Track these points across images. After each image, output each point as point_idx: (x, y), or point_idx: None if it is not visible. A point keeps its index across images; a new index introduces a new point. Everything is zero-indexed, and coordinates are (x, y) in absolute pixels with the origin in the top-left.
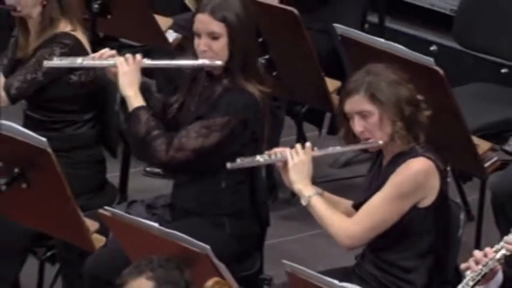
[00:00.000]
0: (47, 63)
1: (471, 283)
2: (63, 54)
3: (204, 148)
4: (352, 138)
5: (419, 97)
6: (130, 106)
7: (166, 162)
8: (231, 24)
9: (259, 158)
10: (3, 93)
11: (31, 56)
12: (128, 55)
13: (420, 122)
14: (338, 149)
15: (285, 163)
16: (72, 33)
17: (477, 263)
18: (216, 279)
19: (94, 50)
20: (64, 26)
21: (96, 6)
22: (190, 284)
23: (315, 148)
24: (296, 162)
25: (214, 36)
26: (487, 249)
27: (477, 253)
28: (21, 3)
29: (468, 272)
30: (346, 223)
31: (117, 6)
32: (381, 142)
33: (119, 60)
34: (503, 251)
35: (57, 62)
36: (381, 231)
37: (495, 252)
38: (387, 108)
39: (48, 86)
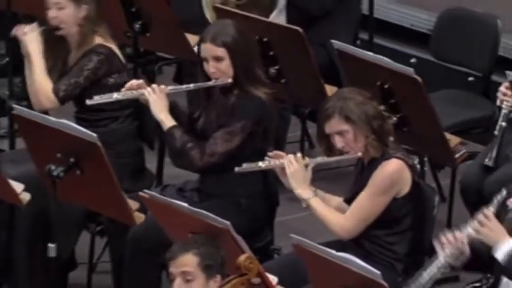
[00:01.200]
0: (89, 102)
1: (443, 260)
2: (100, 61)
3: (230, 150)
4: (336, 151)
5: (381, 108)
6: (164, 127)
7: (202, 167)
8: (230, 46)
9: (261, 164)
10: (52, 96)
11: (74, 65)
12: (154, 85)
13: (387, 130)
14: (325, 159)
15: (283, 169)
16: (106, 44)
17: (448, 243)
18: (247, 255)
19: (136, 62)
20: (98, 40)
21: (137, 26)
22: (225, 260)
23: (306, 158)
24: (292, 171)
25: (218, 59)
26: (457, 232)
27: (448, 236)
28: (63, 23)
29: (438, 247)
30: (341, 220)
31: (154, 25)
32: (359, 154)
33: (147, 90)
34: (469, 230)
35: (96, 98)
36: (369, 222)
37: (463, 237)
38: (360, 126)
39: (90, 88)
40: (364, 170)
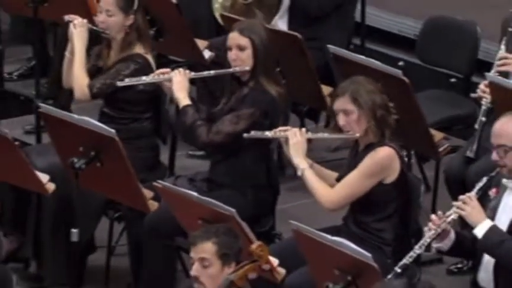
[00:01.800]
0: (120, 83)
1: (428, 240)
2: (136, 69)
3: (235, 132)
4: (338, 129)
5: (390, 104)
6: (180, 104)
7: (207, 143)
8: (254, 39)
9: (267, 133)
10: (86, 90)
11: (111, 67)
12: (180, 69)
13: (389, 123)
14: (326, 135)
15: (287, 140)
16: (144, 55)
17: (434, 224)
18: (259, 243)
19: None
20: (139, 49)
21: (152, 32)
22: (242, 249)
23: (309, 132)
24: (294, 142)
25: (241, 48)
26: (440, 214)
27: (433, 217)
28: (109, 28)
29: (426, 229)
30: (328, 191)
31: (167, 32)
32: (357, 135)
33: (174, 72)
34: (453, 216)
35: (127, 80)
36: (353, 199)
37: (447, 217)
38: (364, 110)
39: (122, 91)
40: (358, 153)
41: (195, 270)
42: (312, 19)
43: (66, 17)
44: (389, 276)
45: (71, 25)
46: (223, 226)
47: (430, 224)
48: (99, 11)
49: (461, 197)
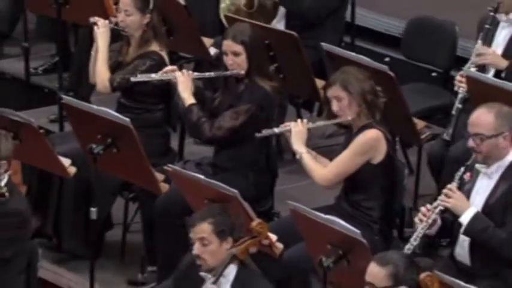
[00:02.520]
0: (133, 79)
1: (422, 231)
2: (151, 66)
3: (235, 126)
4: (332, 116)
5: (378, 88)
6: (185, 103)
7: (211, 138)
8: (247, 45)
9: (275, 129)
10: (107, 84)
11: (129, 63)
12: (184, 70)
13: (378, 105)
14: (323, 122)
15: (290, 131)
16: (160, 52)
17: (424, 216)
18: (258, 220)
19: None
20: (155, 47)
21: (163, 31)
22: (235, 226)
23: (309, 123)
24: (296, 130)
25: (236, 54)
26: (428, 206)
27: (423, 209)
28: (128, 27)
29: (417, 221)
30: (322, 170)
31: (177, 31)
32: (349, 118)
33: (178, 73)
34: (440, 207)
35: (139, 76)
36: (344, 177)
37: (434, 208)
38: (354, 96)
39: (138, 84)
40: (352, 137)
41: (196, 249)
42: (308, 24)
43: (91, 19)
44: None
45: (95, 26)
46: (216, 206)
47: (420, 215)
48: (119, 11)
49: (444, 190)
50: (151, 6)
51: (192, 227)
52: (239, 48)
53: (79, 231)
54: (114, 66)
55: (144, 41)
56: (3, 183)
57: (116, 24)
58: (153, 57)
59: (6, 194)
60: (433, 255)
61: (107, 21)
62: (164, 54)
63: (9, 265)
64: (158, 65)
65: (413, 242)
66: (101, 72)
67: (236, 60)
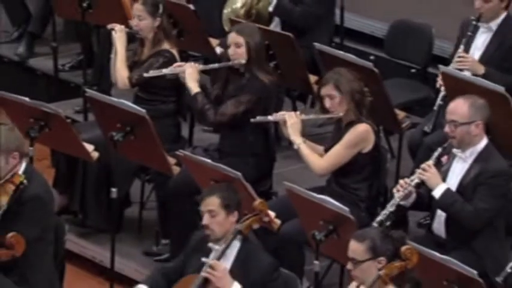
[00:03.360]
0: (146, 74)
1: (398, 200)
2: (164, 62)
3: (237, 114)
4: (324, 110)
5: (365, 89)
6: (192, 92)
7: (215, 123)
8: (248, 38)
9: (270, 117)
10: (127, 81)
11: (144, 61)
12: (191, 63)
13: (365, 104)
14: (316, 116)
15: (285, 122)
16: (171, 50)
17: (402, 187)
18: (260, 200)
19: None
20: (166, 45)
21: (174, 32)
22: (241, 201)
23: (303, 114)
24: (292, 122)
25: (238, 45)
26: (406, 179)
27: (401, 181)
28: (141, 30)
29: (395, 191)
30: (319, 161)
31: (187, 32)
32: (340, 114)
33: (187, 65)
34: (416, 180)
35: (151, 72)
36: (338, 166)
37: (411, 181)
38: (345, 95)
39: (153, 79)
40: (341, 129)
41: (205, 220)
42: (299, 30)
43: (109, 26)
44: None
45: (113, 31)
46: (224, 184)
47: (398, 186)
48: (133, 16)
49: (422, 165)
50: (161, 10)
51: (202, 201)
52: (241, 40)
53: (101, 209)
54: (131, 65)
55: (156, 41)
56: (21, 172)
57: (131, 28)
58: (165, 54)
59: (25, 181)
60: (404, 228)
61: (123, 26)
62: (175, 51)
63: (40, 241)
64: (170, 61)
65: (390, 208)
66: (120, 71)
67: (238, 51)
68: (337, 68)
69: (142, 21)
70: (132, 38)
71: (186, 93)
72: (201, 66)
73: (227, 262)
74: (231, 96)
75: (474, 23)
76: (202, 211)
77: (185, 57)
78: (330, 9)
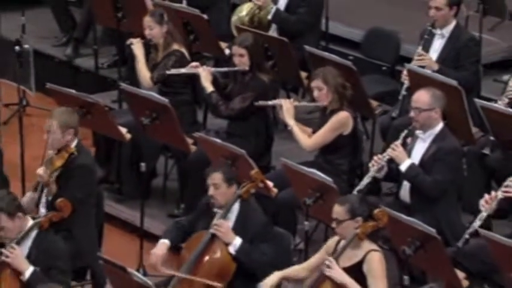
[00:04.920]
0: (168, 72)
1: (373, 173)
2: (176, 60)
3: (243, 108)
4: (313, 100)
5: (346, 83)
6: (207, 91)
7: (226, 116)
8: (249, 48)
9: (269, 102)
10: (149, 81)
11: (159, 62)
12: (205, 66)
13: (346, 95)
14: (306, 103)
15: (281, 106)
16: (180, 49)
17: (376, 162)
18: (256, 170)
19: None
20: (176, 46)
21: (191, 38)
22: (240, 177)
23: (295, 102)
24: (287, 107)
25: (241, 55)
26: (379, 155)
27: (375, 157)
28: (153, 37)
29: (370, 165)
30: (308, 140)
31: (200, 37)
32: (325, 103)
33: (200, 69)
34: (387, 156)
35: (172, 70)
36: (323, 144)
37: (384, 157)
38: (330, 87)
39: (172, 75)
40: (326, 115)
41: (210, 191)
42: (293, 34)
43: (128, 42)
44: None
45: (131, 45)
46: (226, 162)
47: (373, 161)
48: (145, 27)
49: (391, 145)
50: (166, 18)
51: (209, 176)
52: (243, 51)
53: (133, 179)
54: (152, 68)
55: (166, 44)
56: (73, 145)
57: (145, 38)
58: (176, 53)
59: (75, 153)
60: (378, 195)
61: (138, 39)
62: (183, 50)
63: (84, 204)
64: (180, 59)
65: (366, 179)
66: (143, 74)
67: (241, 60)
68: (324, 66)
69: (153, 30)
70: (148, 46)
71: (203, 90)
72: (213, 69)
73: (230, 222)
74: (237, 93)
75: (430, 28)
76: (208, 184)
77: (199, 58)
78: (317, 18)
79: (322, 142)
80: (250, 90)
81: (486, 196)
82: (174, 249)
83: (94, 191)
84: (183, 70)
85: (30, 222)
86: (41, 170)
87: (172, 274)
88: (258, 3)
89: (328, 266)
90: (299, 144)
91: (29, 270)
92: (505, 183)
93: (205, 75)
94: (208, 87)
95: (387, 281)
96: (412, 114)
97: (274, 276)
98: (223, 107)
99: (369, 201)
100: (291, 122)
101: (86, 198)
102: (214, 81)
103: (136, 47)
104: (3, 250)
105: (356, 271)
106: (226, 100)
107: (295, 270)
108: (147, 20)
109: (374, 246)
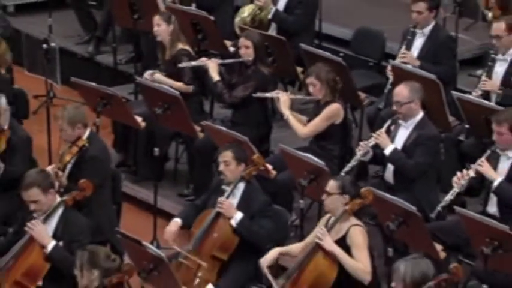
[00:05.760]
0: (180, 65)
1: (359, 156)
2: (188, 59)
3: (244, 96)
4: (307, 93)
5: (337, 78)
6: (213, 80)
7: (230, 103)
8: (254, 41)
9: (267, 94)
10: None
11: (168, 61)
12: (213, 58)
13: (337, 88)
14: (301, 96)
15: (278, 98)
16: (185, 47)
17: (362, 147)
18: (257, 154)
19: (198, 55)
20: (181, 45)
21: (199, 37)
22: (247, 157)
23: (292, 94)
24: (283, 99)
25: (247, 47)
26: (365, 141)
27: (361, 143)
28: (160, 34)
29: (357, 150)
30: (302, 128)
31: (208, 36)
32: (319, 96)
33: (209, 61)
34: (372, 143)
35: (184, 63)
36: (316, 133)
37: (369, 143)
38: (323, 83)
39: (182, 69)
40: (319, 106)
41: (221, 167)
42: (291, 33)
43: (202, 62)
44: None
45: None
46: (236, 143)
47: (359, 147)
48: (154, 25)
49: (376, 132)
50: (172, 19)
51: (220, 154)
52: (249, 43)
53: (148, 163)
54: (162, 68)
55: (172, 42)
56: (85, 137)
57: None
58: (184, 52)
59: (86, 144)
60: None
61: (214, 59)
62: (188, 47)
63: (100, 187)
64: (188, 55)
65: (353, 162)
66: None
67: (247, 51)
68: (317, 62)
69: (161, 27)
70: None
71: (209, 80)
72: (220, 61)
73: (235, 199)
74: (241, 83)
75: (412, 29)
76: (219, 161)
77: (207, 54)
78: (312, 19)
79: (316, 130)
80: (252, 80)
81: (458, 174)
82: (189, 227)
83: (108, 175)
84: (193, 63)
85: (58, 199)
86: (49, 168)
87: (179, 251)
88: (259, 4)
89: (320, 237)
90: (295, 132)
91: (51, 244)
92: (476, 164)
93: (213, 66)
94: (215, 77)
95: (368, 252)
96: (394, 107)
97: (274, 252)
98: (227, 95)
99: (358, 183)
100: (286, 112)
101: (101, 182)
102: (220, 75)
103: (211, 68)
104: (28, 223)
105: (342, 244)
106: (231, 88)
107: (293, 247)
108: (157, 18)
109: (357, 222)
